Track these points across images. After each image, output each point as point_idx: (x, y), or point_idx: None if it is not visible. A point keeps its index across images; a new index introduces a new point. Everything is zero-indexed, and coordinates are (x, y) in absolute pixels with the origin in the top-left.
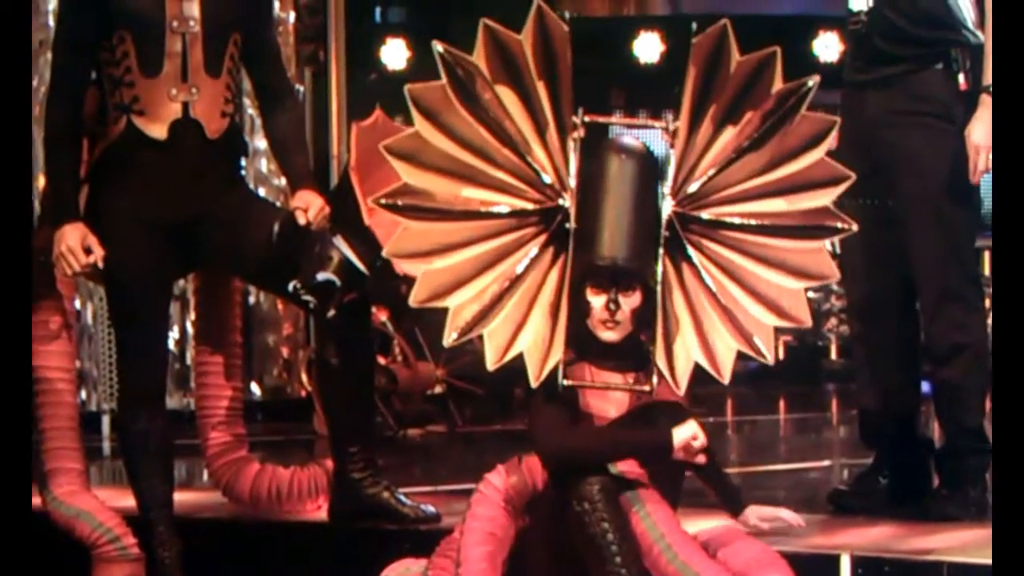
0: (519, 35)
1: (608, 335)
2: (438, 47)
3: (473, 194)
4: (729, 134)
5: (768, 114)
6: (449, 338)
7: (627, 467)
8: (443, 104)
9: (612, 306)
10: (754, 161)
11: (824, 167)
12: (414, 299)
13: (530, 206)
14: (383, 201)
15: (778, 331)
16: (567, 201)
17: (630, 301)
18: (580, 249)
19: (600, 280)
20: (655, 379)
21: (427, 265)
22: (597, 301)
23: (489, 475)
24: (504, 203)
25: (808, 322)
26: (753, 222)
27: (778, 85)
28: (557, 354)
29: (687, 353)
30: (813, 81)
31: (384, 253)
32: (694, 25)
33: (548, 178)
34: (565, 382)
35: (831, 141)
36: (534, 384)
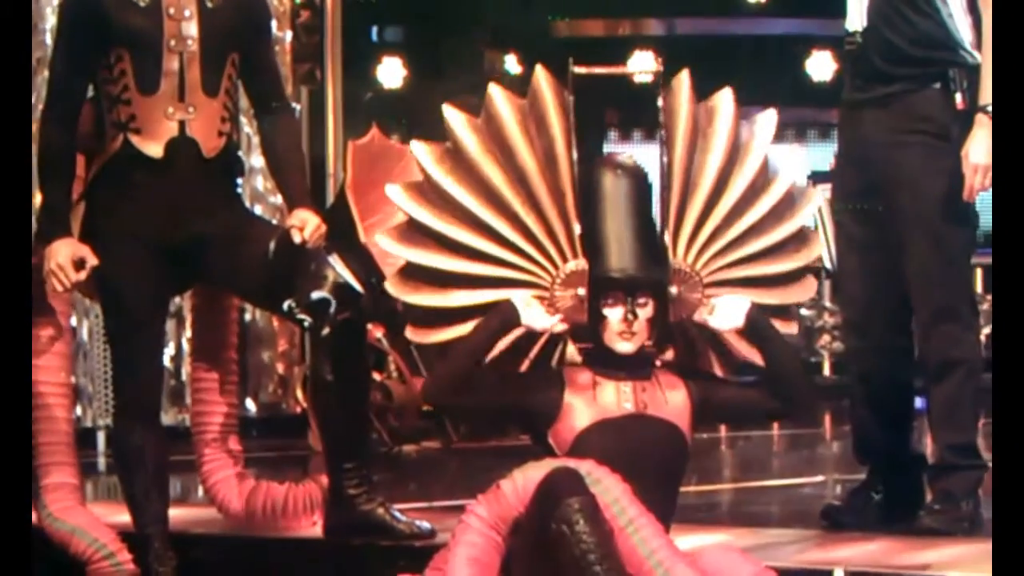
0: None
1: (625, 346)
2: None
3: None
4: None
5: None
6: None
7: (614, 482)
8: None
9: (630, 316)
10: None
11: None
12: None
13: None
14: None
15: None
16: (574, 264)
17: (645, 311)
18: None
19: (616, 293)
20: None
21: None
22: (614, 314)
23: (472, 505)
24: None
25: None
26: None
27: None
28: None
29: None
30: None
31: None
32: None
33: (548, 245)
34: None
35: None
36: None
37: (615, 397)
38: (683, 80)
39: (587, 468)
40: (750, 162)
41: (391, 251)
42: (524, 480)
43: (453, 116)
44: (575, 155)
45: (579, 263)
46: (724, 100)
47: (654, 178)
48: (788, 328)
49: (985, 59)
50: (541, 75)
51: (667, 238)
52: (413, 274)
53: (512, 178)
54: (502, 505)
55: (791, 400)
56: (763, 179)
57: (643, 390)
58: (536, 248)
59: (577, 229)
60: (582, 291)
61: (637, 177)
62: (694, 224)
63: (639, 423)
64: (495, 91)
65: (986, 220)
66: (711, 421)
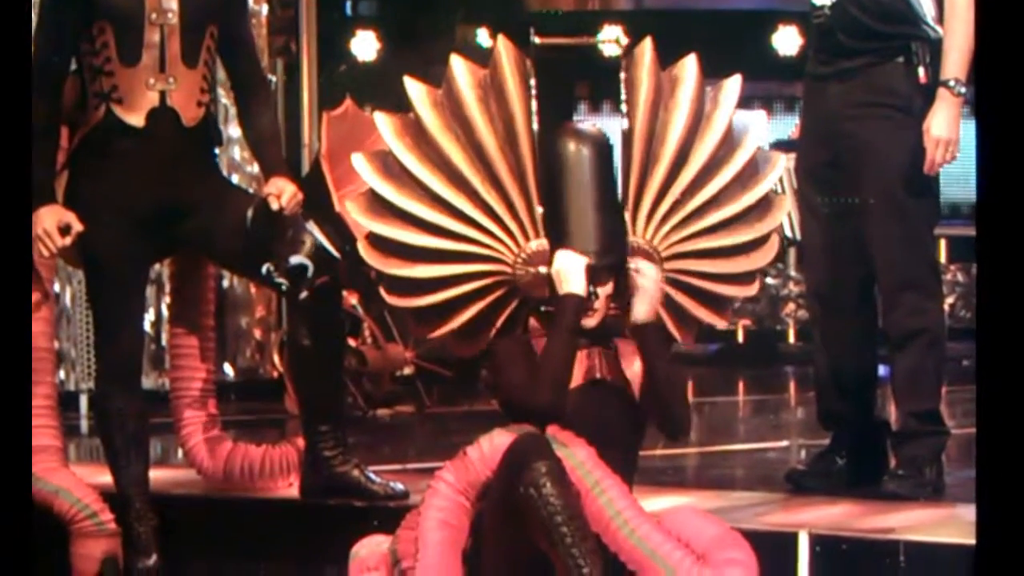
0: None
1: (588, 322)
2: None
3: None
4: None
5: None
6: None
7: (579, 446)
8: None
9: (592, 296)
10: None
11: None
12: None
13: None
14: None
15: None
16: (536, 244)
17: (604, 289)
18: (549, 240)
19: None
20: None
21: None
22: None
23: (440, 472)
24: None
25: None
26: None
27: (694, 82)
28: None
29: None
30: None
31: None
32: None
33: (510, 223)
34: None
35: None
36: None
37: (584, 364)
38: (646, 49)
39: (552, 433)
40: (713, 131)
41: (358, 220)
42: (490, 446)
43: (414, 88)
44: (536, 129)
45: (541, 243)
46: (688, 68)
47: (618, 149)
48: (748, 290)
49: (947, 34)
50: (502, 45)
51: (626, 214)
52: (379, 243)
53: (472, 155)
54: (469, 471)
55: (668, 418)
56: (727, 147)
57: (608, 356)
58: (498, 225)
59: (538, 208)
60: (544, 270)
61: (599, 146)
62: (654, 198)
63: (606, 388)
64: (456, 62)
65: (949, 192)
66: None
